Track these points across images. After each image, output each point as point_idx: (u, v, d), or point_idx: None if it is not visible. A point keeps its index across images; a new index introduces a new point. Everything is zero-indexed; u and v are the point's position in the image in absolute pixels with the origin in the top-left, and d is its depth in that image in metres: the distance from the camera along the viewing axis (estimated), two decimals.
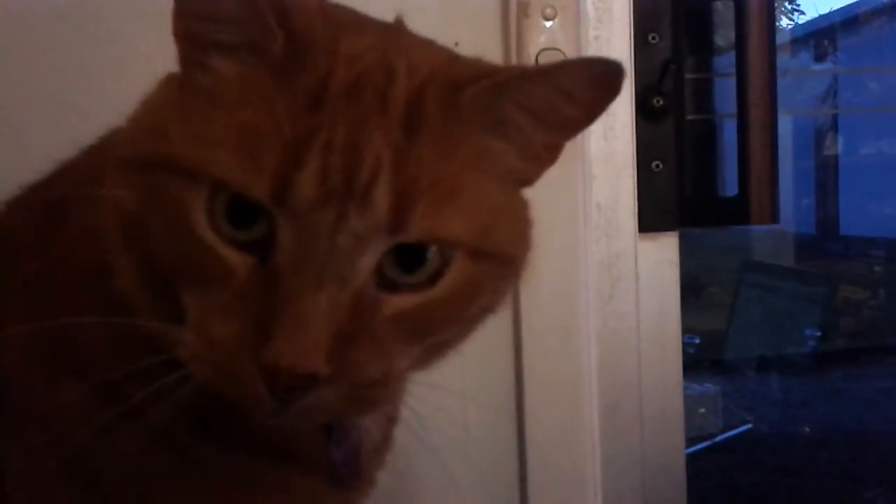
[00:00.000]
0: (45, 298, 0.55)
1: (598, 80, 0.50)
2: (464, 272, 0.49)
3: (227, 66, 0.49)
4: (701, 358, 3.28)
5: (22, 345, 0.54)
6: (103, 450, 0.52)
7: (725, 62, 1.13)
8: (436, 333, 0.51)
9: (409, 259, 0.47)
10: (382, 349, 0.48)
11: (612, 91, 0.51)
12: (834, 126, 4.22)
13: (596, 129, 1.03)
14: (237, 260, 0.46)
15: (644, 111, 1.06)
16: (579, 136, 0.98)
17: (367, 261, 0.46)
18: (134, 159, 0.49)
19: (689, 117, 1.10)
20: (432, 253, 0.48)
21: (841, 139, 4.24)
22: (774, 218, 1.04)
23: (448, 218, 0.47)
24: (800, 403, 3.28)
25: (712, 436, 2.84)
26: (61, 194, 0.58)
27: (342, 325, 0.45)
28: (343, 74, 0.47)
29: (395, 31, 0.54)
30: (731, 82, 1.09)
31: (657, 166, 1.06)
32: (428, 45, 0.55)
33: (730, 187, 1.09)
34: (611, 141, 1.03)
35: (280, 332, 0.44)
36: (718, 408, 2.96)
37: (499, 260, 0.51)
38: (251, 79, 0.47)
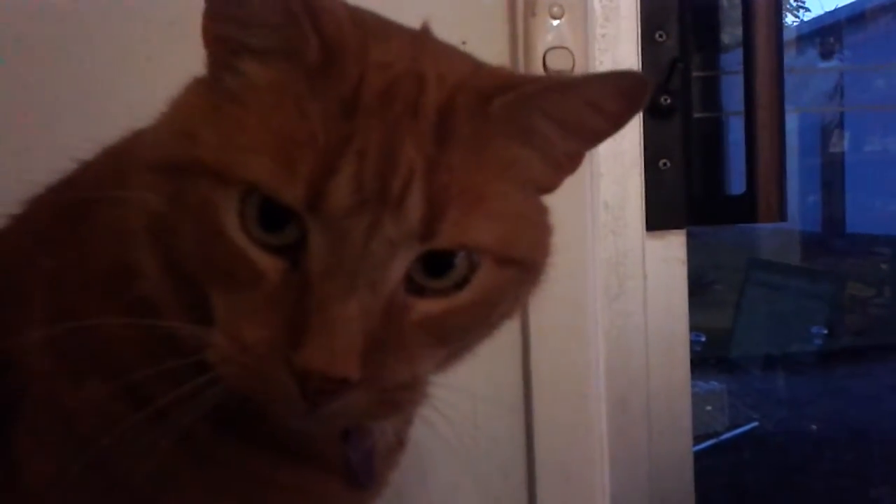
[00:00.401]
0: (66, 298, 0.55)
1: (627, 93, 0.51)
2: (489, 278, 0.49)
3: (259, 70, 0.49)
4: (707, 356, 3.27)
5: (44, 344, 0.54)
6: (126, 450, 0.52)
7: (732, 60, 1.12)
8: (460, 338, 0.52)
9: (437, 264, 0.48)
10: (410, 353, 0.49)
11: (638, 104, 0.52)
12: (840, 123, 4.20)
13: None
14: (268, 263, 0.46)
15: (651, 109, 1.06)
16: None
17: (398, 267, 0.47)
18: (162, 162, 0.49)
19: (697, 115, 1.10)
20: (460, 259, 0.48)
21: (847, 136, 4.23)
22: (782, 216, 1.04)
23: (477, 225, 0.48)
24: (806, 401, 3.27)
25: (718, 434, 2.83)
26: (83, 194, 0.58)
27: (373, 330, 0.46)
28: (375, 82, 0.48)
29: (423, 38, 0.54)
30: (739, 80, 1.09)
31: (665, 164, 1.06)
32: (455, 53, 0.55)
33: (737, 185, 1.09)
34: (618, 139, 1.03)
35: (313, 336, 0.44)
36: (724, 406, 2.95)
37: (522, 266, 0.52)
38: (284, 84, 0.48)
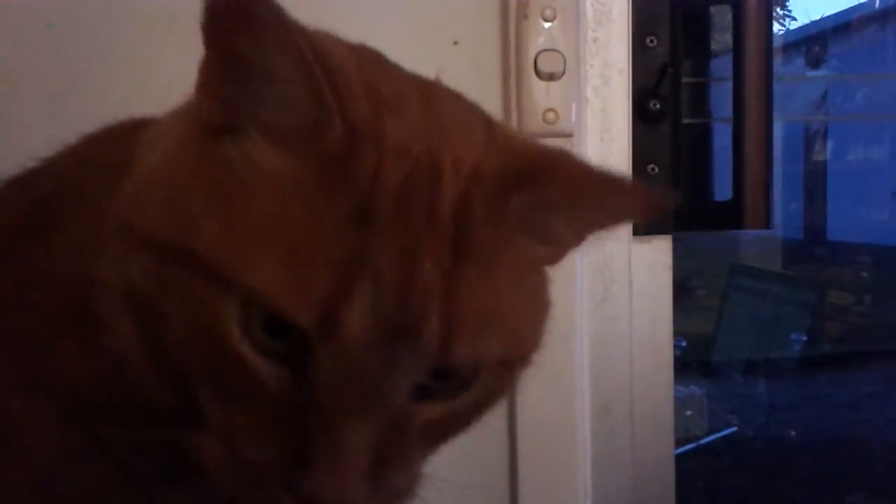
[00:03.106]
0: (18, 313, 0.52)
1: (653, 206, 0.50)
2: (493, 378, 0.48)
3: (268, 153, 0.44)
4: (688, 361, 3.29)
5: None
6: (73, 475, 0.51)
7: (721, 66, 1.13)
8: (458, 434, 0.50)
9: (441, 372, 0.46)
10: (412, 459, 0.47)
11: (659, 215, 0.52)
12: (824, 133, 4.24)
13: (593, 131, 1.03)
14: (270, 372, 0.43)
15: (641, 114, 1.06)
16: (576, 139, 0.99)
17: (408, 386, 0.45)
18: (151, 240, 0.44)
19: (686, 121, 1.10)
20: (466, 368, 0.47)
21: (830, 145, 4.27)
22: (768, 223, 1.05)
23: (489, 341, 0.46)
24: (785, 407, 3.30)
25: (697, 438, 2.85)
26: (44, 198, 0.55)
27: (379, 447, 0.44)
28: (392, 178, 0.43)
29: (434, 100, 0.50)
30: (727, 87, 1.09)
31: (653, 170, 1.06)
32: (467, 117, 0.51)
33: (724, 192, 1.09)
34: (607, 143, 1.03)
35: (320, 462, 0.42)
36: (704, 410, 2.97)
37: (525, 360, 0.51)
38: (296, 174, 0.43)
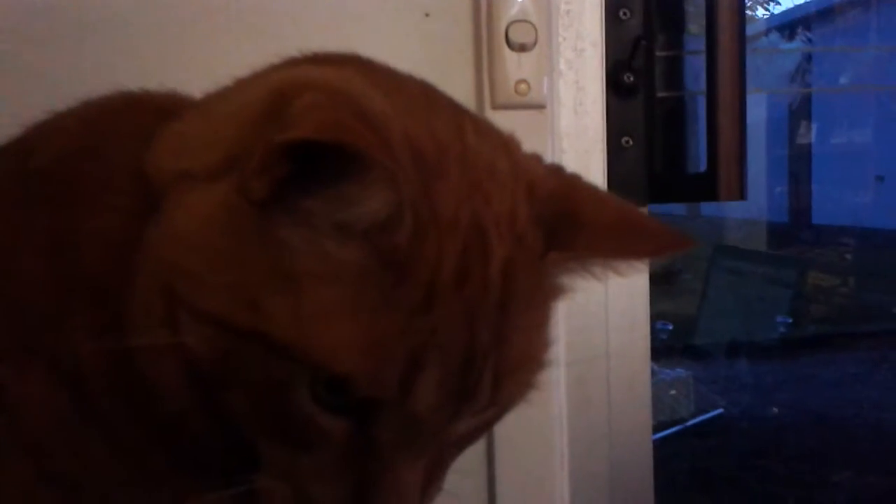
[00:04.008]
0: (16, 279, 0.52)
1: (673, 249, 0.53)
2: (516, 392, 0.51)
3: (341, 247, 0.45)
4: (674, 344, 3.30)
5: None
6: (65, 442, 0.51)
7: (695, 40, 1.13)
8: (480, 438, 0.54)
9: None
10: (445, 470, 0.52)
11: (680, 254, 0.53)
12: (807, 115, 4.26)
13: (566, 104, 1.03)
14: (334, 425, 0.46)
15: (615, 87, 1.05)
16: (550, 111, 0.99)
17: (460, 429, 0.49)
18: (214, 319, 0.45)
19: (660, 94, 1.10)
20: None
21: (814, 128, 4.28)
22: (742, 194, 1.05)
23: (524, 377, 0.51)
24: (770, 388, 3.32)
25: (684, 420, 2.86)
26: (44, 168, 0.54)
27: (429, 474, 0.49)
28: (450, 260, 0.45)
29: (468, 145, 0.50)
30: (701, 60, 1.09)
31: (627, 142, 1.06)
32: (495, 156, 0.52)
33: (699, 164, 1.09)
34: (581, 116, 1.03)
35: (383, 500, 0.47)
36: (690, 393, 2.99)
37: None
38: (367, 264, 0.44)
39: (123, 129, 0.54)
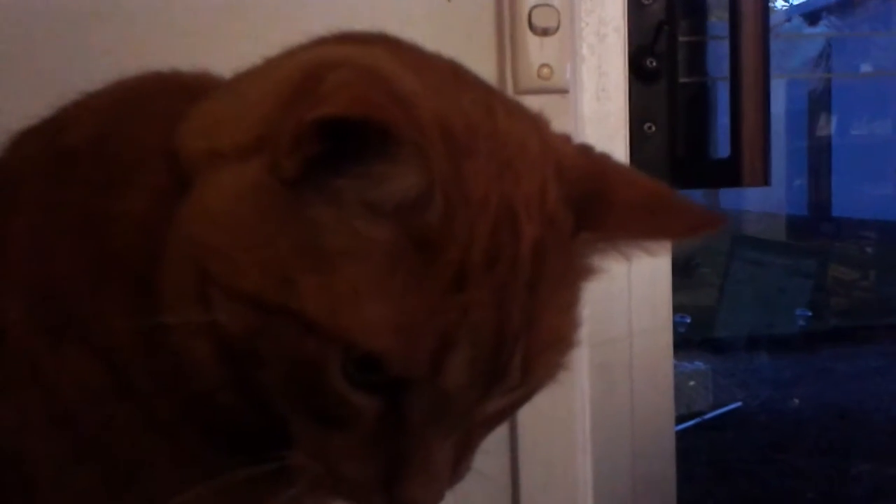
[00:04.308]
0: (48, 257, 0.52)
1: (703, 228, 0.52)
2: (544, 373, 0.51)
3: (372, 226, 0.45)
4: (692, 337, 3.29)
5: (23, 303, 0.52)
6: (95, 416, 0.52)
7: (718, 25, 1.12)
8: (508, 418, 0.55)
9: None
10: (475, 448, 0.52)
11: (710, 235, 0.53)
12: (827, 106, 4.22)
13: (589, 89, 1.03)
14: (366, 404, 0.47)
15: (637, 73, 1.05)
16: (573, 96, 0.99)
17: (489, 408, 0.50)
18: (246, 297, 0.45)
19: (682, 80, 1.09)
20: None
21: (834, 120, 4.24)
22: (766, 179, 1.04)
23: (554, 358, 0.51)
24: (789, 382, 3.30)
25: (702, 413, 2.85)
26: (76, 148, 0.54)
27: (458, 453, 0.50)
28: (481, 240, 0.45)
29: (497, 124, 0.50)
30: (724, 45, 1.08)
31: (650, 128, 1.06)
32: (524, 135, 0.52)
33: (722, 149, 1.09)
34: (604, 102, 1.03)
35: (413, 477, 0.47)
36: (708, 386, 2.98)
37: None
38: (398, 243, 0.45)
39: (153, 109, 0.55)
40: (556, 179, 0.50)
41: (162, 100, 0.56)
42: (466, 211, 0.45)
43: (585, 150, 0.54)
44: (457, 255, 0.45)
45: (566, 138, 0.55)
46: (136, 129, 0.54)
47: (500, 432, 1.06)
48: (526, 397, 0.52)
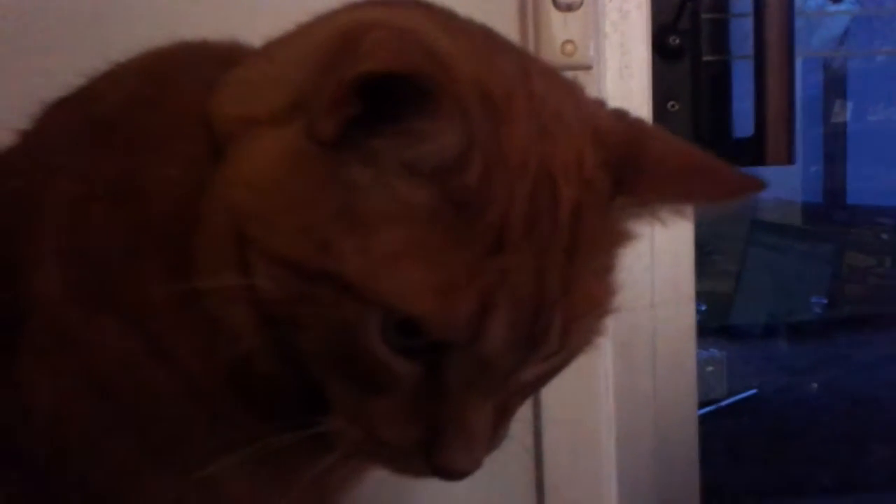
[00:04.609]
0: (83, 226, 0.53)
1: (741, 192, 0.53)
2: (582, 339, 0.53)
3: (410, 187, 0.45)
4: (708, 325, 3.27)
5: (57, 270, 0.53)
6: (131, 383, 0.52)
7: (742, 2, 1.11)
8: (545, 385, 0.55)
9: None
10: (513, 414, 0.54)
11: (748, 197, 0.54)
12: (842, 92, 4.17)
13: (612, 66, 1.02)
14: (405, 369, 0.47)
15: (660, 50, 1.05)
16: (596, 73, 0.98)
17: (528, 372, 0.51)
18: (284, 261, 0.46)
19: (706, 58, 1.08)
20: None
21: (850, 106, 4.20)
22: (790, 157, 1.04)
23: (593, 323, 0.52)
24: (805, 369, 3.28)
25: (717, 400, 2.84)
26: (109, 115, 0.55)
27: (496, 420, 0.51)
28: (519, 203, 0.46)
29: (534, 87, 0.50)
30: (747, 23, 1.08)
31: (673, 106, 1.06)
32: (561, 99, 0.52)
33: (745, 128, 1.08)
34: (627, 80, 1.03)
35: (454, 441, 0.48)
36: (723, 373, 2.97)
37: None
38: (437, 205, 0.45)
39: (186, 77, 0.55)
40: (593, 144, 0.50)
41: (193, 68, 0.56)
42: (505, 173, 0.45)
43: (621, 115, 0.54)
44: (496, 217, 0.45)
45: (601, 103, 0.55)
46: (170, 97, 0.54)
47: (524, 410, 1.06)
48: (563, 364, 0.53)
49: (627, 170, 0.50)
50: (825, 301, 3.62)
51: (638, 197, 0.51)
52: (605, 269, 0.52)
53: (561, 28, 0.92)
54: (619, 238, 0.54)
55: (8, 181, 0.56)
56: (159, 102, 0.54)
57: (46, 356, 0.53)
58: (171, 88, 0.55)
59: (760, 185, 0.53)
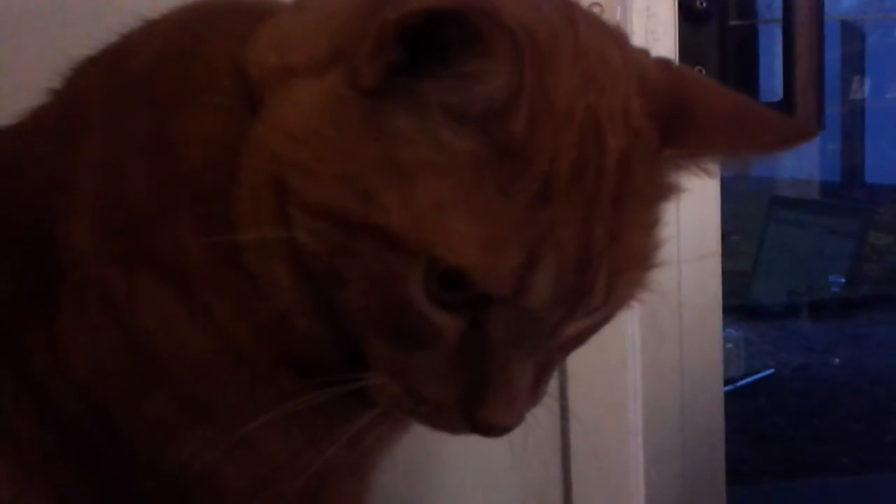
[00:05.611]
0: (118, 181, 0.52)
1: (792, 140, 0.51)
2: (623, 295, 0.51)
3: (455, 135, 0.44)
4: (725, 303, 3.25)
5: (94, 230, 0.52)
6: (170, 341, 0.51)
7: None
8: (586, 341, 0.53)
9: None
10: (551, 373, 0.52)
11: (799, 145, 0.51)
12: (861, 68, 4.13)
13: (638, 31, 1.01)
14: (448, 323, 0.46)
15: (687, 14, 1.03)
16: None
17: (572, 328, 0.49)
18: (326, 212, 0.45)
19: (732, 22, 1.07)
20: None
21: (868, 83, 4.16)
22: (820, 123, 1.02)
23: (637, 278, 0.50)
24: (823, 348, 3.27)
25: (734, 381, 2.84)
26: (143, 70, 0.54)
27: (537, 376, 0.49)
28: (566, 150, 0.44)
29: (580, 34, 0.49)
30: None
31: (700, 71, 1.04)
32: (606, 47, 0.50)
33: (773, 93, 1.06)
34: (653, 44, 1.01)
35: (496, 397, 0.47)
36: (740, 353, 2.96)
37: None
38: (482, 154, 0.44)
39: (220, 30, 0.54)
40: (640, 93, 0.48)
41: (227, 20, 0.55)
42: (552, 121, 0.44)
43: (667, 65, 0.53)
44: (543, 167, 0.43)
45: (646, 52, 0.53)
46: (204, 49, 0.53)
47: (551, 382, 1.05)
48: (605, 320, 0.51)
49: (675, 120, 0.48)
50: (843, 280, 3.60)
51: (687, 149, 0.49)
52: (650, 222, 0.50)
53: None
54: (666, 191, 0.51)
55: (42, 140, 0.56)
56: (194, 55, 0.53)
57: (84, 313, 0.52)
58: (206, 41, 0.54)
59: (813, 132, 0.52)
